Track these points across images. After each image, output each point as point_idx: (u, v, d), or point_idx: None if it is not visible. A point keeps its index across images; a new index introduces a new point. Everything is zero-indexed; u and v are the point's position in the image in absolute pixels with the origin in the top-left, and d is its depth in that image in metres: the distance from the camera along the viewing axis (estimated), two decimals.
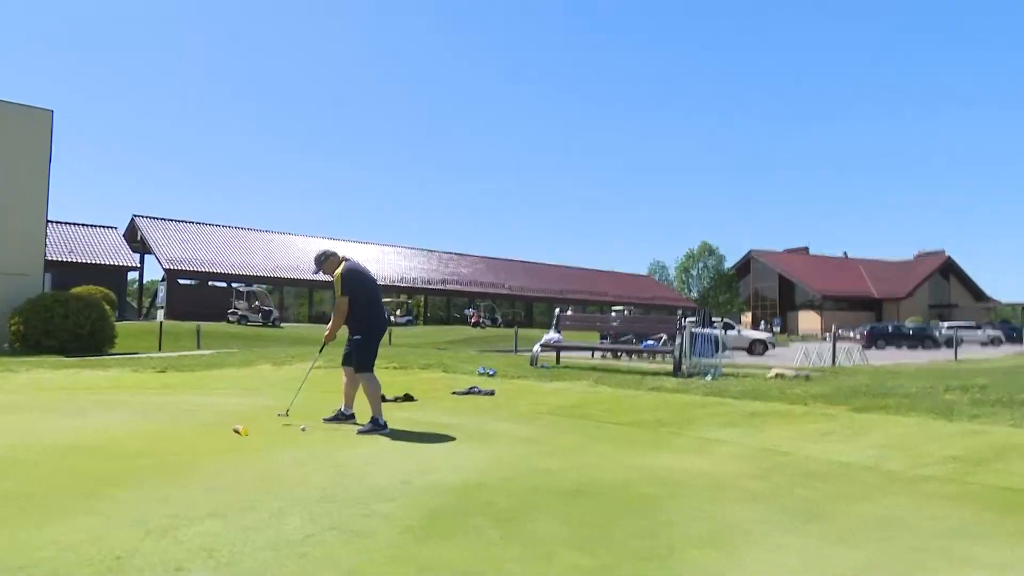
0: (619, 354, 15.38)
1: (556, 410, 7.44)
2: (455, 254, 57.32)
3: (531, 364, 11.16)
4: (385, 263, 48.49)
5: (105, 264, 36.87)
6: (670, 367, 11.82)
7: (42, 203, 16.58)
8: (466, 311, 48.53)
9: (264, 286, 39.90)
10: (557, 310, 12.90)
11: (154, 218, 43.41)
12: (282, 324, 35.23)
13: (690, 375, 10.12)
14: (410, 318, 47.46)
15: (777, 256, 77.57)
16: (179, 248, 41.14)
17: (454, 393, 8.63)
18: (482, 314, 46.29)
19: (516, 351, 18.70)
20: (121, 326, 25.44)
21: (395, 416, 6.93)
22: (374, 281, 6.57)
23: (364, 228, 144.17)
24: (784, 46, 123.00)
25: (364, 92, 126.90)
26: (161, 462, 4.53)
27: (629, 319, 12.62)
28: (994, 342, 44.35)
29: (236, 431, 5.72)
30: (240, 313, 34.57)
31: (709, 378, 9.66)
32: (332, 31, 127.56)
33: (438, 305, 56.11)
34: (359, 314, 6.23)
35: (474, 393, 8.59)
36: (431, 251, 55.99)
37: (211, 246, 42.53)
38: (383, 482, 4.18)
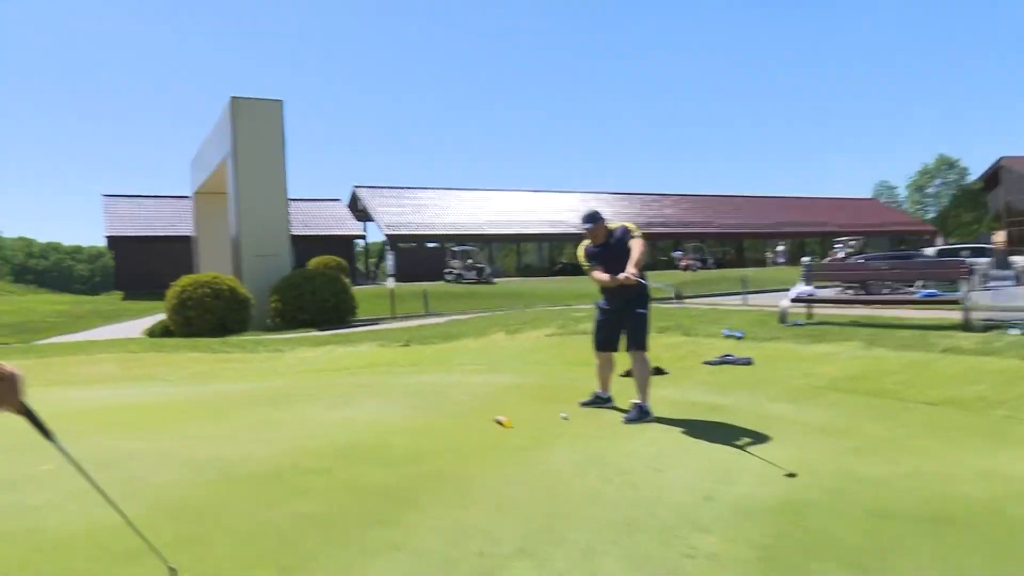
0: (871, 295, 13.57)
1: (837, 384, 6.46)
2: (657, 195, 55.39)
3: (780, 321, 10.06)
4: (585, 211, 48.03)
5: (335, 235, 40.15)
6: (950, 317, 10.11)
7: (282, 187, 18.00)
8: (673, 254, 46.85)
9: (475, 244, 41.31)
10: (838, 249, 11.44)
11: (372, 187, 46.40)
12: (494, 280, 36.28)
13: (986, 328, 8.50)
14: None
15: None
16: (395, 213, 43.71)
17: (705, 363, 7.91)
18: (692, 256, 44.41)
19: (746, 302, 17.39)
20: (356, 291, 27.65)
21: (655, 396, 6.38)
22: None
23: (560, 178, 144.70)
24: None
25: (551, 37, 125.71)
26: (435, 470, 4.34)
27: (902, 265, 10.91)
28: None
29: (499, 422, 5.49)
30: (456, 272, 36.04)
31: (1017, 332, 8.01)
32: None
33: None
34: (644, 284, 5.59)
35: (729, 362, 7.81)
36: (632, 194, 54.56)
37: (423, 209, 44.74)
38: (685, 499, 3.64)
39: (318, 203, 43.30)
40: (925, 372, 6.55)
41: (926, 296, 9.66)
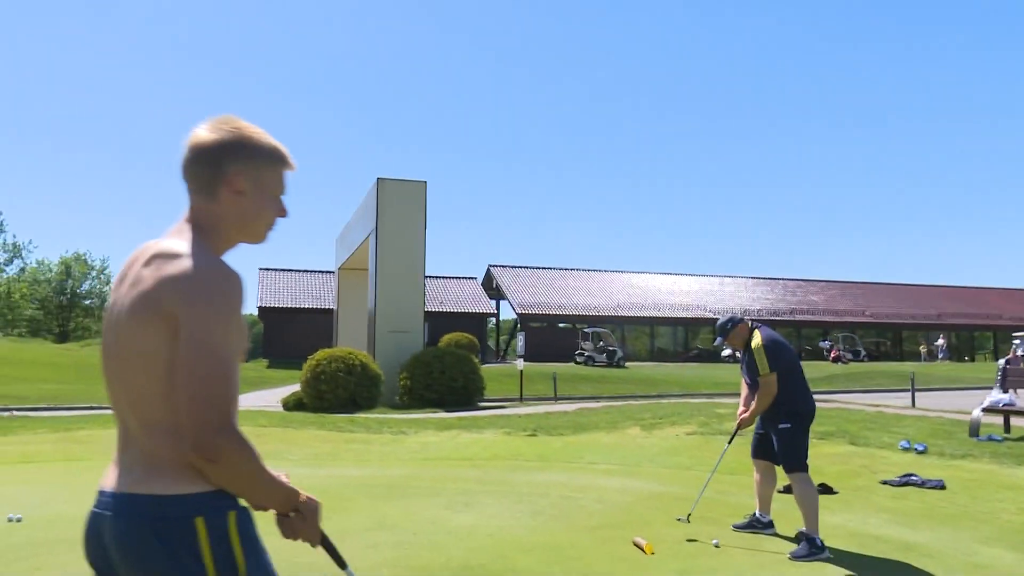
0: None
1: None
2: (803, 280, 52.35)
3: (971, 435, 8.54)
4: (724, 295, 46.11)
5: (468, 312, 40.72)
6: None
7: (420, 265, 18.24)
8: (821, 343, 43.68)
9: (607, 326, 40.47)
10: (1016, 344, 9.89)
11: (506, 266, 47.03)
12: (626, 364, 35.10)
13: None
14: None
15: None
16: (529, 293, 43.87)
17: (884, 483, 6.68)
18: (841, 346, 41.16)
19: (914, 403, 15.42)
20: (485, 369, 27.52)
21: (825, 521, 5.34)
22: (796, 354, 5.17)
23: (697, 261, 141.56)
24: None
25: (668, 111, 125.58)
26: None
27: None
28: None
29: (638, 546, 4.69)
30: (587, 354, 35.21)
31: None
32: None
33: (787, 339, 51.58)
34: (786, 395, 4.87)
35: (913, 484, 6.54)
36: (775, 279, 51.91)
37: (557, 288, 44.65)
38: None
39: (453, 280, 44.29)
40: None
41: None
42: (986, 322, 49.58)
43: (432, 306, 40.63)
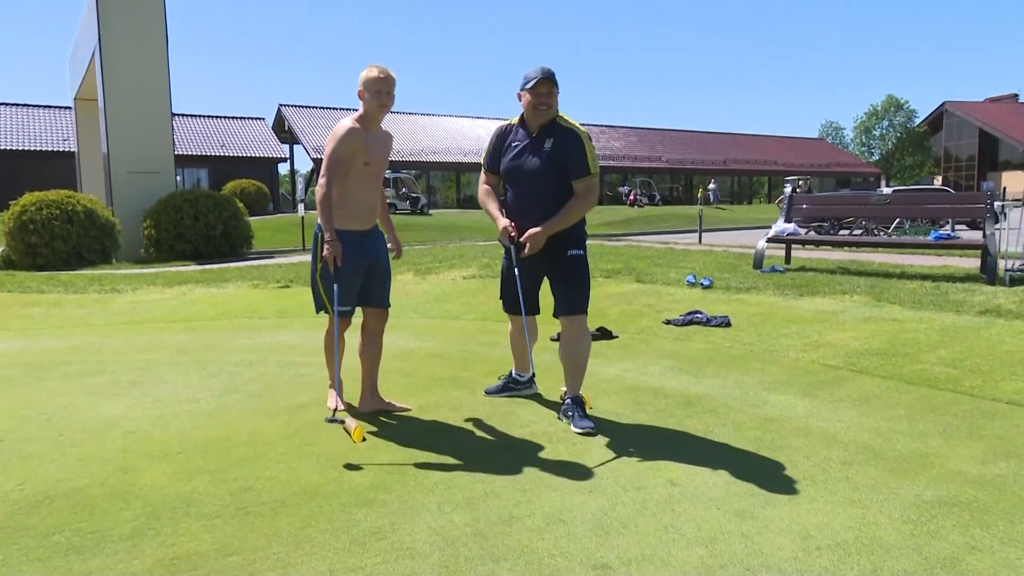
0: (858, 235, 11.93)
1: (857, 361, 4.51)
2: (604, 126, 52.97)
3: (755, 267, 8.11)
4: None
5: (256, 156, 36.70)
6: (956, 263, 8.36)
7: (165, 92, 14.98)
8: (620, 189, 44.88)
9: (411, 172, 38.43)
10: (787, 188, 9.61)
11: (299, 106, 42.61)
12: (430, 211, 33.72)
13: (1013, 282, 6.71)
14: None
15: (977, 107, 65.54)
16: (325, 136, 40.25)
17: (667, 323, 5.89)
18: (639, 191, 42.55)
19: (700, 240, 15.53)
20: (269, 220, 24.73)
21: (599, 374, 4.36)
22: None
23: (508, 106, 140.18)
24: None
25: None
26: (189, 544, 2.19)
27: (905, 198, 9.03)
28: None
29: (345, 429, 3.36)
30: (389, 200, 33.37)
31: None
32: None
33: None
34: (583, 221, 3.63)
35: (698, 321, 5.80)
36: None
37: None
38: None
39: (238, 121, 39.47)
40: (976, 345, 4.65)
41: (938, 238, 7.80)
42: (765, 168, 53.62)
43: (213, 149, 36.05)
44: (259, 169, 35.90)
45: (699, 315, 5.88)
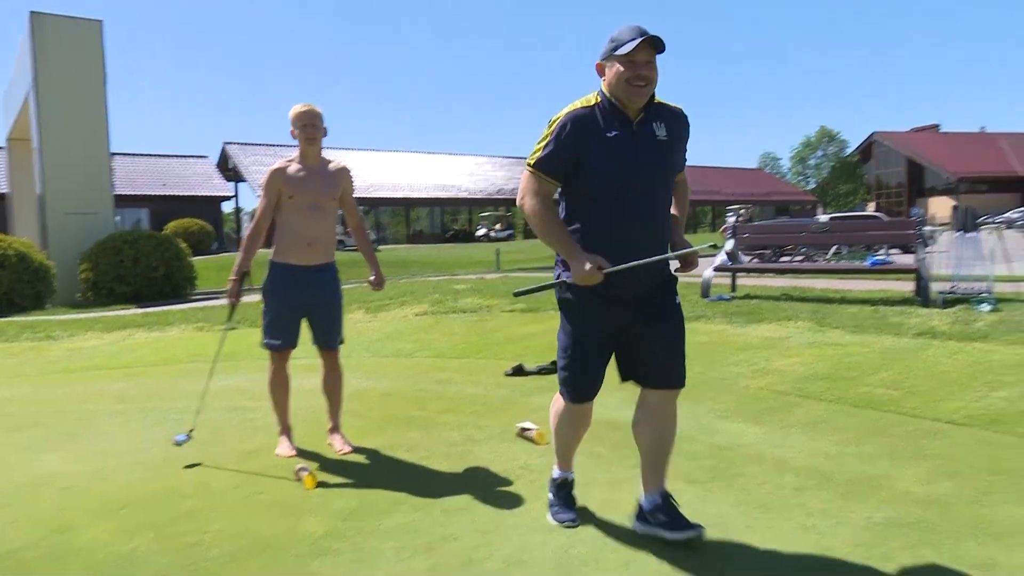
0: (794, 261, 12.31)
1: (805, 387, 4.62)
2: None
3: (703, 295, 8.28)
4: (479, 175, 45.71)
5: (199, 196, 36.03)
6: (892, 286, 8.67)
7: (103, 131, 14.61)
8: None
9: (360, 208, 38.21)
10: (730, 218, 9.85)
11: (244, 143, 42.10)
12: (380, 247, 33.52)
13: (945, 303, 6.99)
14: (510, 232, 45.09)
15: (902, 137, 68.87)
16: None
17: None
18: None
19: None
20: (214, 259, 24.19)
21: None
22: None
23: (457, 140, 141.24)
24: None
25: None
26: None
27: (843, 226, 9.36)
28: None
29: (298, 476, 3.28)
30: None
31: (986, 308, 6.51)
32: None
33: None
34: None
35: None
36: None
37: None
38: None
39: (181, 160, 38.76)
40: (914, 367, 4.81)
41: (875, 264, 8.09)
42: (708, 197, 55.00)
43: (155, 188, 35.27)
44: (203, 208, 35.21)
45: None
